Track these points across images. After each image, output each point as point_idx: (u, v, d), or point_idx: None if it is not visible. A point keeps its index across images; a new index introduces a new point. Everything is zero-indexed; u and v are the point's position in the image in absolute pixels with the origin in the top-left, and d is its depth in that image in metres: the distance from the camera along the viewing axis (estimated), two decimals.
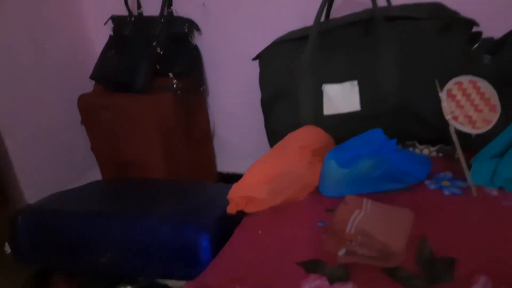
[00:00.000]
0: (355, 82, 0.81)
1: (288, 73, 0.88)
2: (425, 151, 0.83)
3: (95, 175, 1.28)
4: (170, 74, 1.10)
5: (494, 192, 0.72)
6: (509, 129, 0.73)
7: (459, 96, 0.76)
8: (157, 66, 1.11)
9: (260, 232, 0.70)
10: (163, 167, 1.13)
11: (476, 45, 0.80)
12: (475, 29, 0.85)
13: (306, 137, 0.83)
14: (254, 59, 0.93)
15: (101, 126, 1.19)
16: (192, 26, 1.14)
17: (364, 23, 0.81)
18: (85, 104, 1.19)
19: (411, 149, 0.85)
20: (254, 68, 0.94)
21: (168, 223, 0.79)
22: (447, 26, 0.78)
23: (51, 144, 1.25)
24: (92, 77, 1.22)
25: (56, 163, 1.26)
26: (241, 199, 0.76)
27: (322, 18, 0.91)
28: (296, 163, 0.78)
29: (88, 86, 1.24)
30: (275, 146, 0.85)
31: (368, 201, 0.69)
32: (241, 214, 0.76)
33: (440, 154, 0.82)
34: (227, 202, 0.77)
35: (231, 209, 0.75)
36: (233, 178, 0.78)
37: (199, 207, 0.87)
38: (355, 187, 0.75)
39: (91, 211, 0.88)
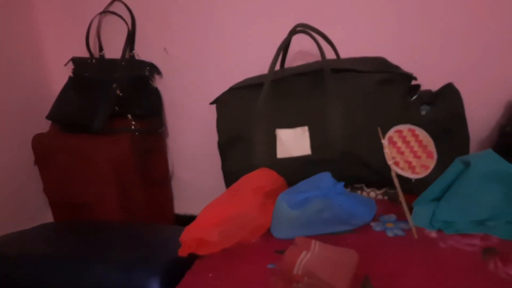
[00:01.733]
0: (306, 128, 0.86)
1: (244, 118, 0.92)
2: (372, 194, 0.88)
3: (47, 217, 1.24)
4: (129, 116, 1.12)
5: (433, 234, 0.76)
6: (445, 174, 0.79)
7: (399, 143, 0.82)
8: (116, 107, 1.12)
9: (210, 275, 0.71)
10: (118, 209, 1.11)
11: (414, 97, 0.88)
12: (414, 82, 0.94)
13: (259, 179, 0.86)
14: (212, 103, 0.96)
15: (55, 167, 1.17)
16: (153, 69, 1.18)
17: (314, 74, 0.87)
18: (39, 144, 1.17)
19: (359, 192, 0.89)
20: (213, 111, 0.98)
21: (118, 268, 0.78)
22: (388, 79, 0.85)
23: (2, 183, 1.21)
24: (48, 117, 1.21)
25: (6, 203, 1.22)
26: (193, 242, 0.76)
27: (278, 67, 0.98)
28: (248, 205, 0.80)
29: (44, 126, 1.23)
30: (229, 188, 0.87)
31: (316, 242, 0.72)
32: (193, 257, 0.77)
33: (386, 197, 0.87)
34: (179, 245, 0.77)
35: (183, 252, 0.75)
36: (191, 220, 0.79)
37: (151, 250, 0.87)
38: (305, 229, 0.77)
39: (39, 255, 0.85)
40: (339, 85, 0.84)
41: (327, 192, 0.79)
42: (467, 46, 0.96)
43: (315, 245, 0.71)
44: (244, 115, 0.91)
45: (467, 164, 0.76)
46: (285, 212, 0.78)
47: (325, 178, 0.82)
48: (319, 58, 0.90)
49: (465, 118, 0.86)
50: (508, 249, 0.71)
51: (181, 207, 1.30)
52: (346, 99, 0.83)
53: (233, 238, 0.77)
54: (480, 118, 0.97)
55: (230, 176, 0.95)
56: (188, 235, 0.77)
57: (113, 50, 1.20)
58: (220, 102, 0.95)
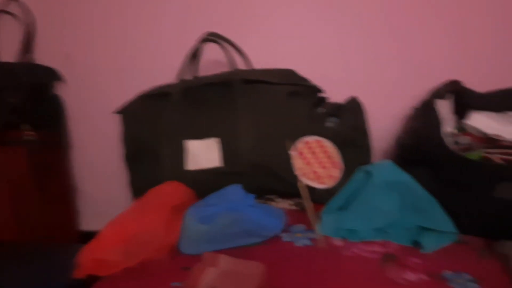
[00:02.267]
0: (216, 140, 0.84)
1: (151, 129, 0.88)
2: (283, 205, 0.88)
3: None
4: (25, 126, 1.01)
5: (338, 242, 0.78)
6: (349, 184, 0.82)
7: (307, 154, 0.84)
8: (9, 117, 1.01)
9: None
10: (13, 227, 1.00)
11: (322, 109, 0.91)
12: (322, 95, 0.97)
13: (167, 193, 0.83)
14: (117, 112, 0.91)
15: None
16: (52, 75, 1.08)
17: (225, 84, 0.85)
18: None
19: (271, 203, 0.89)
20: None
21: None
22: (297, 91, 0.86)
23: None
24: None
25: None
26: (92, 262, 0.71)
27: (190, 76, 0.96)
28: (154, 221, 0.76)
29: None
30: (134, 204, 0.82)
31: (224, 257, 0.70)
32: (93, 279, 0.71)
33: (297, 207, 0.88)
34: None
35: (80, 274, 0.69)
36: None
37: (47, 272, 0.79)
38: (215, 244, 0.75)
39: None
40: (249, 96, 0.83)
41: (237, 205, 0.78)
42: (371, 62, 1.02)
43: (222, 260, 0.70)
44: (152, 125, 0.87)
45: (368, 174, 0.80)
46: (193, 227, 0.75)
47: (235, 191, 0.81)
48: (232, 67, 0.89)
49: (368, 130, 0.90)
50: (405, 254, 0.75)
51: (87, 224, 1.21)
52: (256, 111, 0.83)
53: (137, 257, 0.73)
54: (382, 130, 1.02)
55: (138, 190, 0.90)
56: (86, 255, 0.71)
57: (9, 53, 1.09)
58: (126, 111, 0.91)
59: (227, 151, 0.84)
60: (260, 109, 0.84)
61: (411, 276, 0.69)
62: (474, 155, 0.75)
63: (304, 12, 0.99)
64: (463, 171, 0.75)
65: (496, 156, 0.75)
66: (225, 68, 0.89)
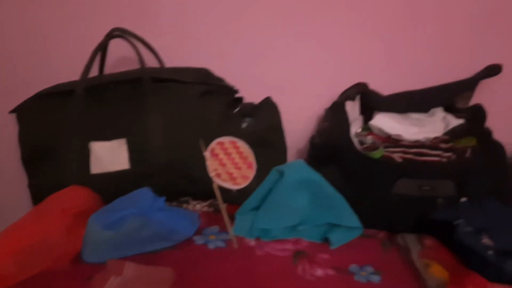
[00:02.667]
0: (124, 141, 0.80)
1: (52, 129, 0.81)
2: (198, 207, 0.87)
3: None
4: None
5: (252, 243, 0.78)
6: (263, 184, 0.82)
7: (221, 155, 0.83)
8: None
9: None
10: None
11: (237, 109, 0.91)
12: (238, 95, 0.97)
13: (69, 199, 0.77)
14: (12, 111, 0.82)
15: None
16: None
17: (134, 82, 0.81)
18: None
19: (184, 205, 0.87)
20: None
21: None
22: (211, 91, 0.85)
23: None
24: None
25: None
26: None
27: (96, 73, 0.90)
28: (53, 229, 0.70)
29: None
30: (32, 210, 0.75)
31: (130, 264, 0.66)
32: None
33: (211, 209, 0.87)
34: None
35: None
36: None
37: None
38: (122, 250, 0.71)
39: None
40: (159, 96, 0.80)
41: (146, 209, 0.75)
42: (287, 63, 1.03)
43: (128, 267, 0.66)
44: (52, 126, 0.81)
45: (280, 173, 0.81)
46: (97, 233, 0.71)
47: (144, 194, 0.77)
48: (142, 65, 0.85)
49: (282, 130, 0.91)
50: (315, 251, 0.77)
51: None
52: (166, 110, 0.81)
53: (33, 268, 0.67)
54: (297, 130, 1.05)
55: (38, 196, 0.82)
56: None
57: None
58: (22, 110, 0.82)
59: (136, 153, 0.80)
60: (171, 109, 0.81)
61: (319, 272, 0.72)
62: (377, 154, 0.80)
63: (220, 10, 0.98)
64: (366, 169, 0.79)
65: (397, 155, 0.80)
66: (135, 66, 0.84)
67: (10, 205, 0.99)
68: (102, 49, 0.85)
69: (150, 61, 0.94)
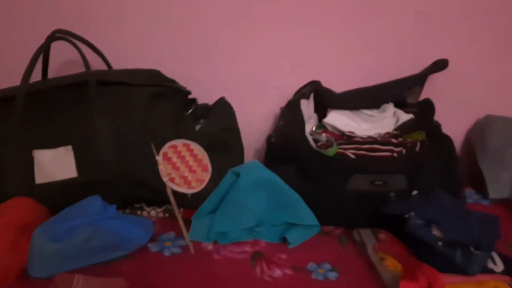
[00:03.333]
0: (70, 148, 0.76)
1: None
2: (153, 213, 0.84)
3: None
4: None
5: (209, 247, 0.77)
6: (219, 186, 0.81)
7: (174, 159, 0.80)
8: None
9: None
10: None
11: (190, 111, 0.89)
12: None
13: (11, 211, 0.72)
14: None
15: None
16: None
17: (79, 86, 0.78)
18: None
19: (139, 212, 0.84)
20: None
21: None
22: (162, 93, 0.82)
23: None
24: None
25: None
26: None
27: (39, 78, 0.85)
28: None
29: None
30: None
31: (80, 277, 0.63)
32: None
33: (167, 215, 0.85)
34: None
35: None
36: None
37: None
38: (71, 262, 0.68)
39: None
40: (107, 99, 0.77)
41: (96, 218, 0.71)
42: (241, 62, 1.02)
43: (78, 280, 0.63)
44: None
45: (236, 175, 0.80)
46: (43, 246, 0.67)
47: (93, 203, 0.74)
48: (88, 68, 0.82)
49: (238, 131, 0.91)
50: (273, 251, 0.76)
51: None
52: (115, 115, 0.77)
53: None
54: (255, 130, 1.04)
55: None
56: None
57: None
58: None
59: (83, 160, 0.76)
60: (120, 113, 0.78)
61: (277, 272, 0.71)
62: (331, 151, 0.80)
63: (169, 9, 0.96)
64: (321, 167, 0.79)
65: (350, 152, 0.81)
66: (79, 69, 0.81)
67: None
68: (44, 52, 0.81)
69: (98, 64, 0.90)
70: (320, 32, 0.98)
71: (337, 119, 0.87)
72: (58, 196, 0.76)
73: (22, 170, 0.76)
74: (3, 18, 0.94)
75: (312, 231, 0.80)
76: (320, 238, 0.81)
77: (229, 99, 0.97)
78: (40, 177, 0.76)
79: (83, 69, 0.82)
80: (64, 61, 0.95)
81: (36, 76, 0.82)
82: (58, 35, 0.78)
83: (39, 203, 0.76)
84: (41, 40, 0.81)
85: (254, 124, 1.04)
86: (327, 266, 0.73)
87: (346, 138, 0.85)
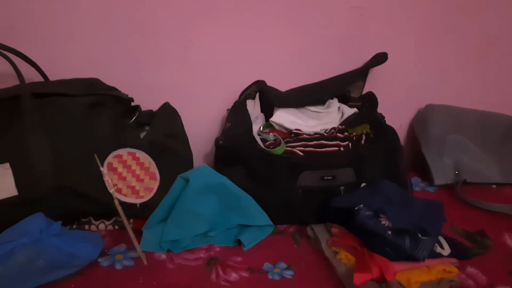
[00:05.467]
0: (7, 165, 0.72)
1: None
2: (101, 226, 0.81)
3: None
4: None
5: (163, 256, 0.75)
6: (169, 193, 0.79)
7: (120, 169, 0.78)
8: None
9: None
10: None
11: (133, 119, 0.86)
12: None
13: None
14: None
15: None
16: None
17: (12, 100, 0.73)
18: None
19: (86, 226, 0.81)
20: None
21: None
22: (101, 102, 0.79)
23: None
24: None
25: None
26: None
27: None
28: None
29: None
30: None
31: None
32: None
33: (116, 227, 0.82)
34: None
35: None
36: None
37: None
38: (15, 286, 0.64)
39: None
40: (42, 112, 0.73)
41: (39, 236, 0.68)
42: (184, 65, 0.99)
43: None
44: None
45: (185, 180, 0.79)
46: None
47: (36, 221, 0.70)
48: (28, 80, 0.77)
49: (184, 135, 0.89)
50: (228, 255, 0.76)
51: None
52: (51, 128, 0.73)
53: None
54: (203, 133, 1.02)
55: None
56: None
57: None
58: None
59: (23, 177, 0.72)
60: (56, 125, 0.74)
61: (233, 275, 0.70)
62: (279, 150, 0.81)
63: (106, 17, 0.92)
64: (270, 166, 0.79)
65: (298, 149, 0.82)
66: (15, 82, 0.77)
67: None
68: None
69: (33, 76, 0.86)
70: (263, 32, 0.98)
71: (283, 117, 0.87)
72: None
73: None
74: None
75: (266, 231, 0.80)
76: (274, 238, 0.81)
77: (175, 104, 0.94)
78: None
79: (13, 82, 0.77)
80: None
81: None
82: None
83: None
84: None
85: (202, 128, 1.02)
86: (283, 265, 0.73)
87: (293, 136, 0.86)
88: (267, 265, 0.73)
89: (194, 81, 1.00)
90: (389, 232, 0.68)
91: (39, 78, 0.87)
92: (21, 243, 0.66)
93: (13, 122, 0.72)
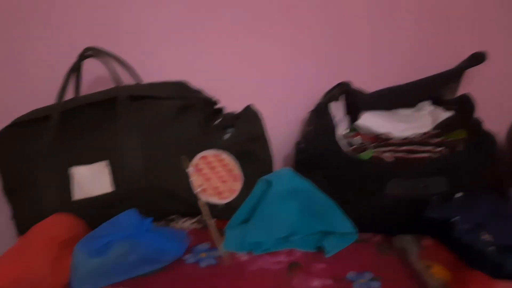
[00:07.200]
0: (106, 163, 0.77)
1: (29, 158, 0.78)
2: (186, 224, 0.84)
3: None
4: None
5: (244, 257, 0.75)
6: (251, 196, 0.80)
7: (205, 170, 0.80)
8: None
9: None
10: None
11: (218, 121, 0.88)
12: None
13: (53, 228, 0.74)
14: None
15: None
16: None
17: (109, 102, 0.79)
18: None
19: (172, 224, 0.84)
20: None
21: None
22: (188, 105, 0.82)
23: None
24: None
25: None
26: None
27: (71, 96, 0.87)
28: (39, 261, 0.67)
29: None
30: (17, 243, 0.72)
31: None
32: None
33: (199, 226, 0.84)
34: None
35: None
36: None
37: None
38: (110, 277, 0.68)
39: None
40: (135, 114, 0.78)
41: (132, 232, 0.72)
42: (265, 67, 1.00)
43: None
44: (29, 154, 0.78)
45: (267, 183, 0.79)
46: (84, 262, 0.68)
47: (130, 217, 0.75)
48: (118, 83, 0.83)
49: (265, 138, 0.89)
50: (310, 261, 0.74)
51: None
52: (144, 129, 0.78)
53: None
54: (281, 136, 1.01)
55: (22, 226, 0.80)
56: None
57: None
58: None
59: (118, 175, 0.77)
60: (148, 127, 0.78)
61: (316, 282, 0.69)
62: (366, 155, 0.77)
63: (192, 19, 0.96)
64: (356, 172, 0.76)
65: (386, 155, 0.78)
66: (110, 85, 0.82)
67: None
68: (76, 70, 0.82)
69: (126, 78, 0.91)
70: (348, 29, 0.95)
71: (371, 120, 0.84)
72: (95, 211, 0.77)
73: (60, 187, 0.77)
74: (34, 40, 0.97)
75: (349, 239, 0.77)
76: (357, 246, 0.77)
77: (256, 106, 0.94)
78: (78, 193, 0.78)
79: (109, 85, 0.83)
80: (94, 77, 0.97)
81: (69, 93, 0.84)
82: (88, 53, 0.79)
83: (78, 219, 0.77)
84: (71, 57, 0.83)
85: (281, 130, 1.01)
86: (368, 275, 0.70)
87: (381, 140, 0.82)
88: (351, 274, 0.70)
89: (275, 83, 1.00)
90: (491, 248, 0.62)
91: (132, 80, 0.92)
92: (116, 238, 0.71)
93: (111, 122, 0.78)
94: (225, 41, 0.98)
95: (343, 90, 0.90)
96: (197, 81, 0.90)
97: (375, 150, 0.79)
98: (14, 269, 0.67)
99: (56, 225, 0.75)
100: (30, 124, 0.80)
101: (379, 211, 0.76)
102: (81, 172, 0.78)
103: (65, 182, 0.78)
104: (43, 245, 0.70)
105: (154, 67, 0.95)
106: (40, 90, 0.90)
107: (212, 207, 0.79)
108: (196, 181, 0.78)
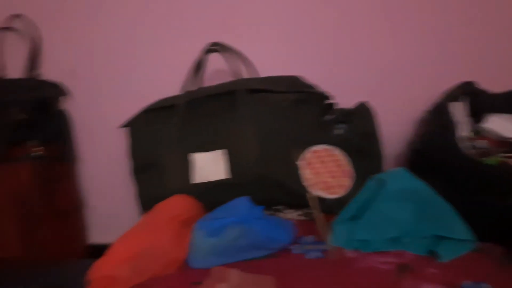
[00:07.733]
0: (224, 151, 0.83)
1: (157, 142, 0.86)
2: (292, 216, 0.86)
3: None
4: (32, 142, 1.01)
5: (351, 254, 0.75)
6: (361, 193, 0.80)
7: (316, 164, 0.81)
8: (16, 133, 1.00)
9: None
10: (19, 245, 0.99)
11: (330, 116, 0.89)
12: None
13: (175, 207, 0.81)
14: (122, 126, 0.90)
15: None
16: (58, 90, 1.07)
17: (230, 94, 0.84)
18: None
19: (278, 214, 0.87)
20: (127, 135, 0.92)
21: None
22: (303, 99, 0.84)
23: None
24: None
25: None
26: (102, 279, 0.69)
27: (195, 87, 0.94)
28: (162, 237, 0.74)
29: None
30: (143, 219, 0.81)
31: (234, 272, 0.68)
32: None
33: (304, 218, 0.86)
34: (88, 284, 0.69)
35: None
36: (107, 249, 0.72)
37: None
38: (222, 257, 0.73)
39: None
40: (253, 106, 0.82)
41: (244, 218, 0.76)
42: (381, 65, 0.99)
43: (232, 274, 0.68)
44: (157, 138, 0.86)
45: (380, 182, 0.78)
46: (202, 240, 0.74)
47: (242, 203, 0.79)
48: (237, 76, 0.88)
49: (377, 136, 0.87)
50: (421, 264, 0.72)
51: (96, 237, 1.19)
52: (260, 121, 0.82)
53: (146, 273, 0.71)
54: (394, 135, 1.00)
55: (146, 204, 0.89)
56: (96, 272, 0.70)
57: (17, 70, 1.09)
58: (131, 125, 0.89)
59: (234, 163, 0.82)
60: (265, 119, 0.82)
61: (428, 287, 0.67)
62: (492, 160, 0.72)
63: (308, 16, 0.98)
64: (479, 177, 0.72)
65: None
66: (229, 78, 0.87)
67: (120, 213, 1.08)
68: (201, 63, 0.89)
69: (243, 72, 0.96)
70: (470, 30, 0.90)
71: (498, 123, 0.78)
72: (211, 195, 0.83)
73: (182, 171, 0.84)
74: (167, 37, 1.05)
75: (466, 247, 0.73)
76: (474, 255, 0.73)
77: (369, 103, 0.93)
78: (197, 177, 0.84)
79: (228, 78, 0.88)
80: (210, 70, 1.03)
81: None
82: (212, 47, 0.85)
83: (196, 201, 0.84)
84: (193, 52, 0.90)
85: (394, 129, 0.99)
86: (486, 286, 0.65)
87: (509, 145, 0.76)
88: (466, 283, 0.67)
89: (390, 80, 0.98)
90: None
91: (248, 74, 0.96)
92: (230, 221, 0.75)
93: (229, 113, 0.83)
94: (339, 38, 0.98)
95: (465, 90, 0.85)
96: (310, 76, 0.91)
97: (503, 155, 0.74)
98: (141, 242, 0.74)
99: (177, 205, 0.82)
100: (159, 111, 0.88)
101: (503, 221, 0.71)
102: (201, 158, 0.84)
103: (186, 167, 0.85)
104: (166, 223, 0.77)
105: (271, 62, 0.98)
106: (167, 82, 0.98)
107: (321, 201, 0.80)
108: (306, 174, 0.79)
